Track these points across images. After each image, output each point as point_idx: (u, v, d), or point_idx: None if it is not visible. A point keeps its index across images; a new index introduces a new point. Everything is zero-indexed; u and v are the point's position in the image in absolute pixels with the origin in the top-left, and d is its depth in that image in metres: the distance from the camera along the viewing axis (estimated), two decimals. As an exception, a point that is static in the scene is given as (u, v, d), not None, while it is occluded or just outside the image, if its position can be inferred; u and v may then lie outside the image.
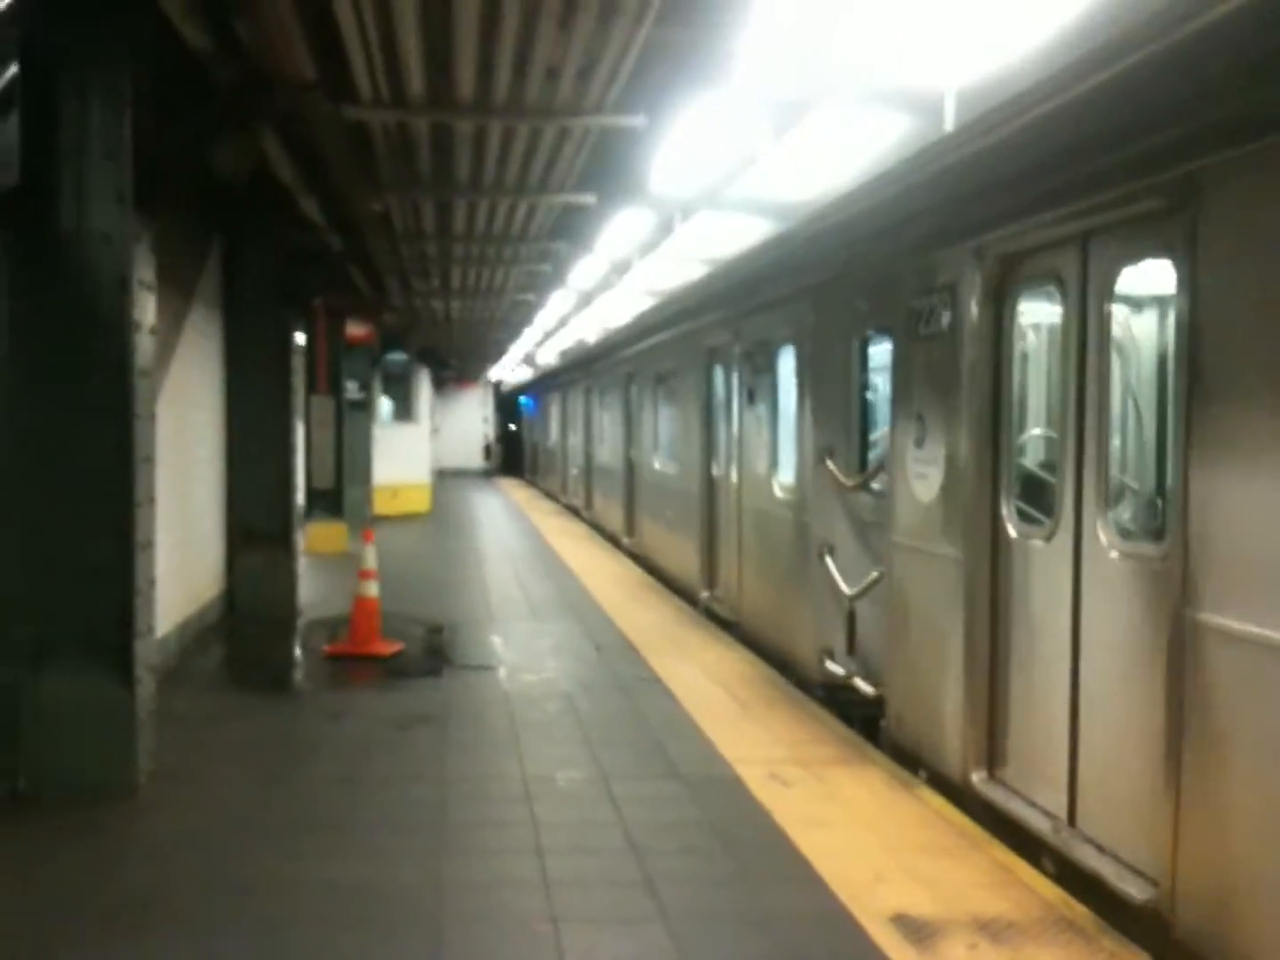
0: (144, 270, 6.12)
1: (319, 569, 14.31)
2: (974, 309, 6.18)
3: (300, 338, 13.38)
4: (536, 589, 13.78)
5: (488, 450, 46.97)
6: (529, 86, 6.79)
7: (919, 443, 6.88)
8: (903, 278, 7.09)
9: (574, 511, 26.03)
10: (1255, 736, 4.17)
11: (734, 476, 11.39)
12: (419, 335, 25.07)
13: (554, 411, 31.87)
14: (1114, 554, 5.16)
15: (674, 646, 10.16)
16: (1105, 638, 5.21)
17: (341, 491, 18.34)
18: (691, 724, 7.58)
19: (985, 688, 6.19)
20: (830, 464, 8.51)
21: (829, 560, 8.52)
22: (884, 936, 4.51)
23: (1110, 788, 5.16)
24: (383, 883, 4.98)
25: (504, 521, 24.10)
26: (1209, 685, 4.36)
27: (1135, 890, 4.74)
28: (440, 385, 38.90)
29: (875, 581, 7.74)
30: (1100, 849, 5.13)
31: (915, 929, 4.58)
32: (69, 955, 4.36)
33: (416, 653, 9.99)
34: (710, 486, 12.51)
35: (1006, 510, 6.12)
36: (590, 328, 20.10)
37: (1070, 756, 5.43)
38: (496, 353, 34.82)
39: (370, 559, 9.99)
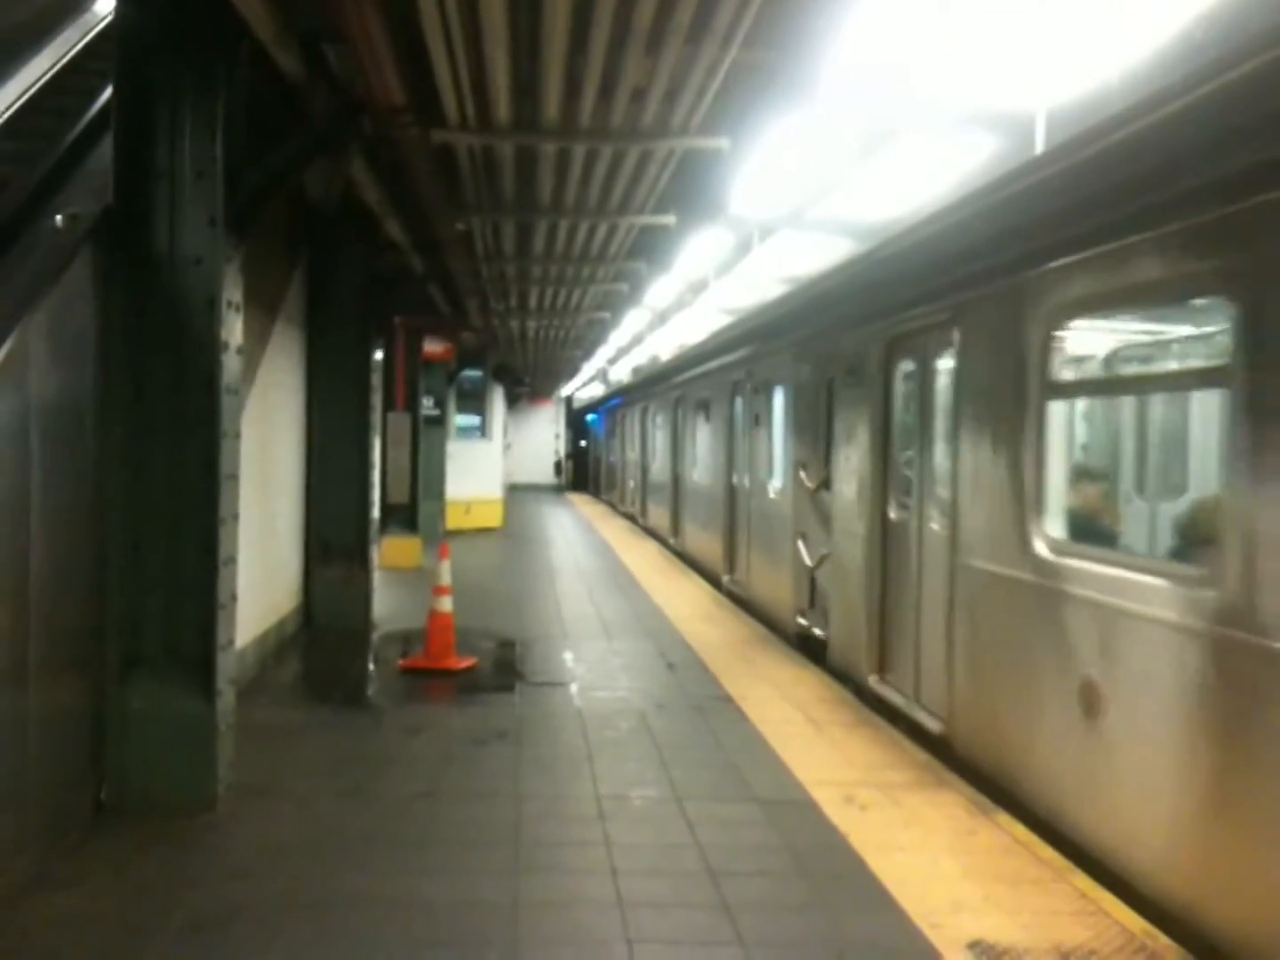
0: (233, 291, 6.23)
1: (393, 583, 14.43)
2: (874, 369, 9.16)
3: (378, 355, 13.54)
4: (607, 605, 13.81)
5: (558, 466, 47.21)
6: (614, 109, 6.83)
7: (847, 458, 9.89)
8: (841, 345, 10.10)
9: (631, 519, 28.98)
10: (978, 627, 7.12)
11: (746, 483, 14.69)
12: (495, 353, 25.28)
13: (617, 430, 35.44)
14: (934, 526, 8.05)
15: (746, 665, 10.13)
16: (930, 580, 8.03)
17: (416, 506, 18.51)
18: (765, 745, 7.55)
19: (878, 622, 9.16)
20: (802, 473, 11.38)
21: (800, 543, 11.29)
22: (963, 967, 4.46)
23: (930, 671, 7.96)
24: (460, 900, 5.02)
25: (574, 536, 24.18)
26: (962, 599, 7.33)
27: (934, 725, 7.75)
28: (514, 402, 39.19)
29: (825, 557, 10.63)
30: (929, 711, 7.95)
31: (994, 957, 4.53)
32: (151, 966, 4.41)
33: (490, 668, 10.06)
34: (731, 492, 15.70)
35: (890, 502, 9.05)
36: (663, 345, 20.19)
37: (915, 656, 8.30)
38: (570, 370, 35.00)
39: (445, 575, 10.08)
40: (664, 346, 20.48)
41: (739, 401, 15.17)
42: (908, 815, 6.21)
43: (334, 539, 11.75)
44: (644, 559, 19.41)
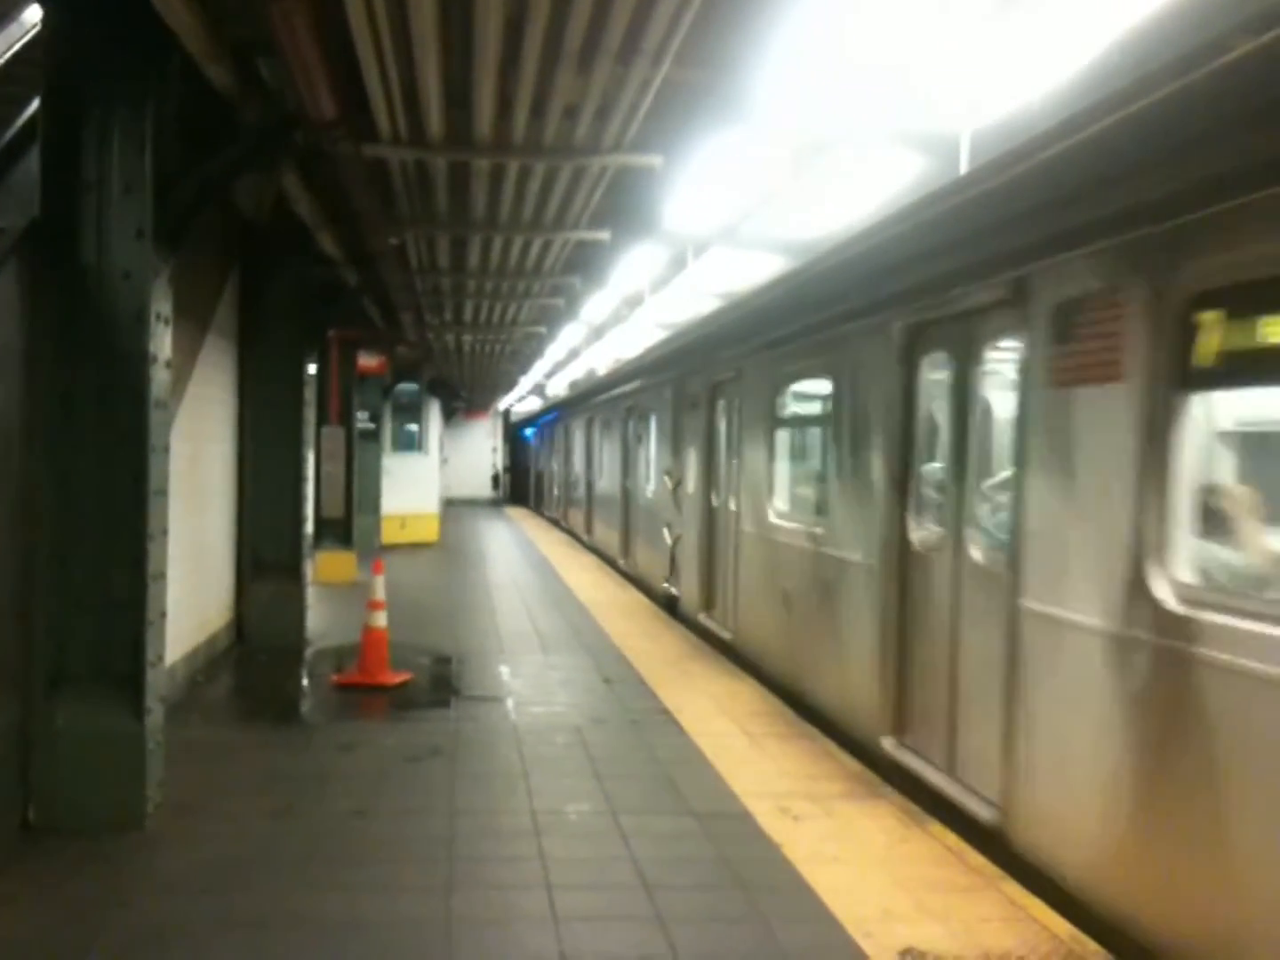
0: (162, 304, 6.18)
1: (328, 598, 14.32)
2: (704, 403, 13.64)
3: (312, 368, 13.44)
4: (543, 619, 13.79)
5: (496, 479, 47.09)
6: (547, 126, 6.86)
7: (690, 466, 14.04)
8: (688, 385, 14.32)
9: (555, 523, 32.54)
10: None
11: (633, 487, 19.11)
12: (431, 366, 25.18)
13: (549, 444, 37.33)
14: (731, 506, 11.27)
15: (683, 678, 10.17)
16: (730, 543, 12.00)
17: (351, 521, 18.38)
18: (701, 757, 7.58)
19: (707, 569, 12.96)
20: (666, 477, 15.44)
21: (665, 529, 15.26)
22: (895, 975, 4.52)
23: (730, 602, 12.14)
24: (394, 918, 4.99)
25: (512, 550, 24.12)
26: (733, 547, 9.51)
27: (726, 635, 11.99)
28: (450, 415, 39.04)
29: (679, 538, 14.56)
30: (726, 628, 11.81)
31: (926, 968, 4.58)
32: (81, 987, 4.35)
33: (425, 684, 10.01)
34: (625, 494, 19.83)
35: (711, 493, 12.88)
36: (598, 360, 20.27)
37: (731, 597, 11.84)
38: (507, 384, 34.95)
39: (379, 590, 10.02)
40: (599, 361, 20.59)
41: (630, 423, 19.43)
42: (841, 825, 6.27)
43: (267, 554, 11.64)
44: (580, 571, 19.41)
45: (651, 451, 17.25)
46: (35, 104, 6.27)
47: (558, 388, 31.07)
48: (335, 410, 17.80)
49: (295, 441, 11.79)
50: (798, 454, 11.12)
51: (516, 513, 39.44)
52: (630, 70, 5.83)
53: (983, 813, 6.10)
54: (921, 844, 6.00)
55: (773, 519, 10.51)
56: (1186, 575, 4.70)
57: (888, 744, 7.43)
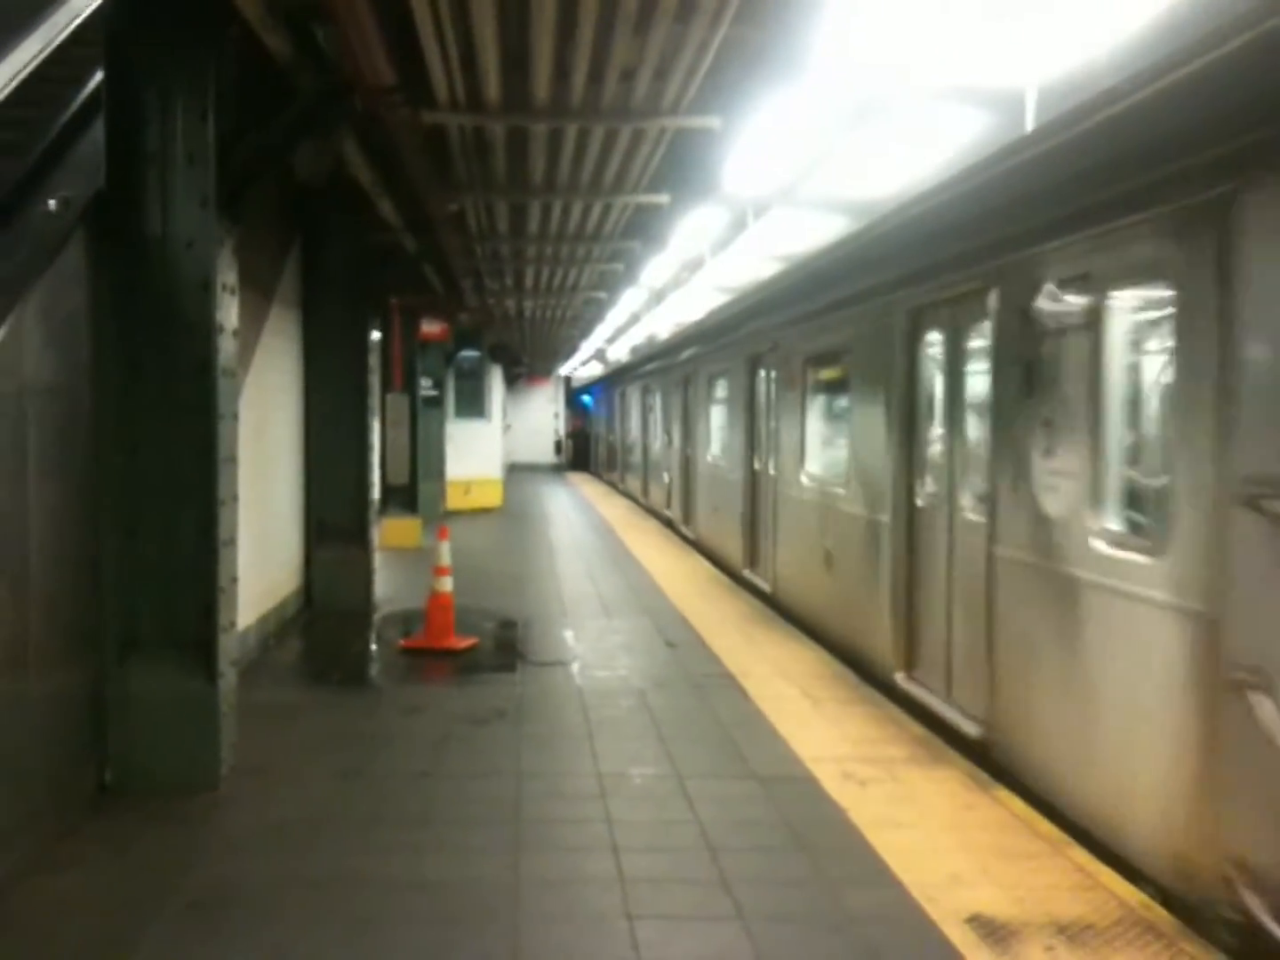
0: (227, 273, 6.24)
1: (394, 564, 14.46)
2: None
3: (375, 335, 13.52)
4: (606, 583, 13.84)
5: (559, 445, 47.23)
6: (605, 89, 6.82)
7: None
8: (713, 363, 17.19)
9: (615, 488, 33.38)
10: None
11: (696, 452, 19.06)
12: (492, 333, 25.25)
13: (611, 409, 37.92)
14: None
15: (745, 643, 10.16)
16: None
17: (416, 487, 18.52)
18: (764, 721, 7.59)
19: (750, 527, 14.13)
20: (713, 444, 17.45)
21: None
22: (960, 937, 4.50)
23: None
24: (461, 878, 5.05)
25: (574, 515, 24.20)
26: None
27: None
28: (512, 381, 39.16)
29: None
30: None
31: (992, 930, 4.56)
32: (151, 948, 4.43)
33: (490, 648, 10.09)
34: (686, 459, 20.11)
35: (755, 460, 14.22)
36: (658, 325, 20.21)
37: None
38: (568, 349, 34.98)
39: (445, 555, 10.10)
40: (658, 326, 20.55)
41: (685, 390, 19.85)
42: (906, 791, 6.24)
43: (333, 520, 11.77)
44: (640, 535, 19.45)
45: (706, 418, 17.96)
46: (99, 77, 6.32)
47: (618, 353, 31.04)
48: (399, 377, 17.93)
49: (360, 408, 11.88)
50: (830, 421, 11.54)
51: (578, 478, 39.55)
52: (688, 30, 5.78)
53: (972, 730, 7.10)
54: (988, 810, 5.96)
55: (805, 481, 11.52)
56: (1117, 524, 5.62)
57: (900, 678, 8.45)
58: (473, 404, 25.81)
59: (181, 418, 6.05)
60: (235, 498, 6.42)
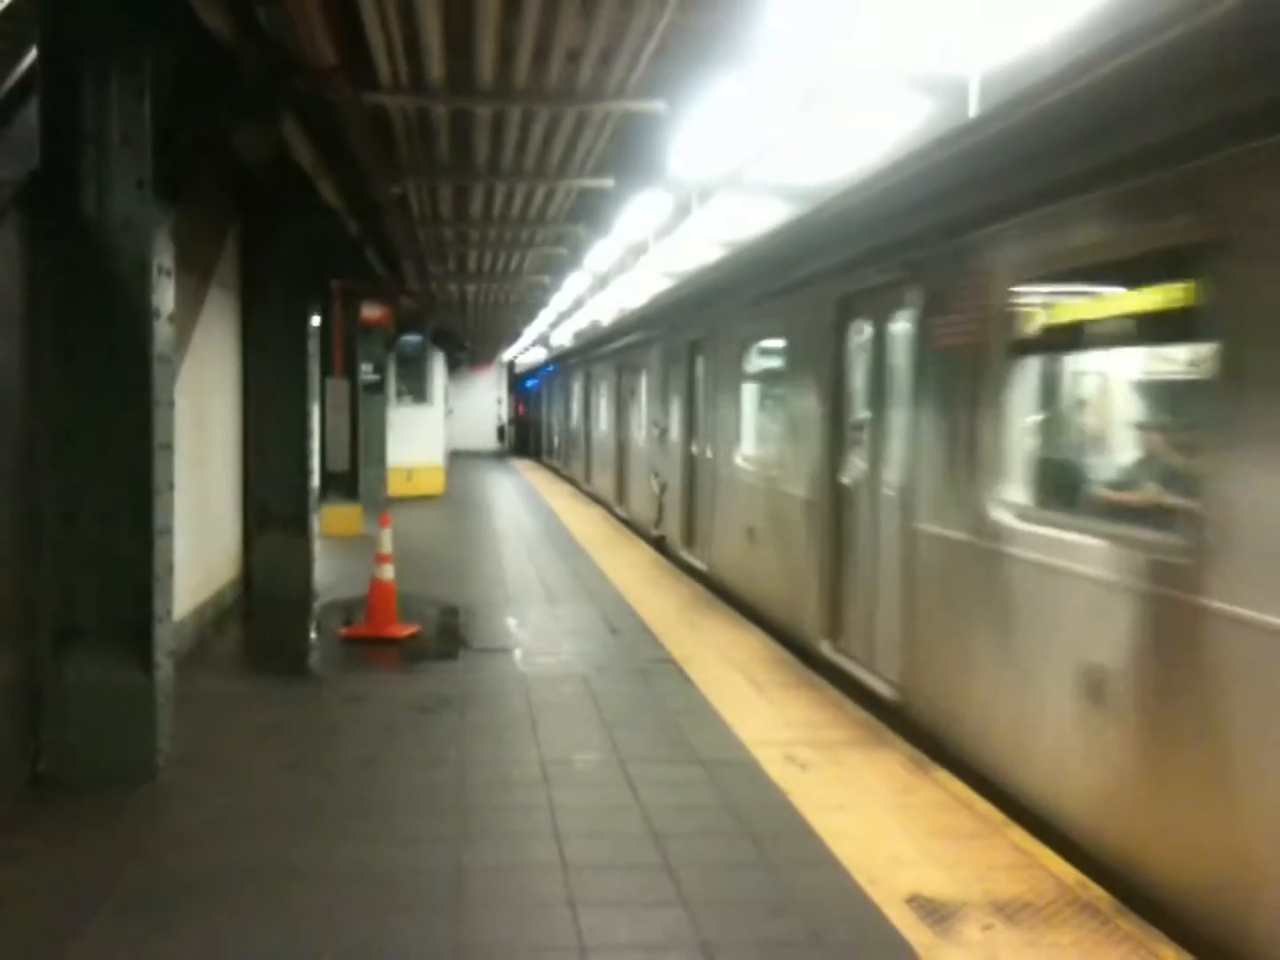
0: (164, 256, 6.13)
1: (335, 551, 14.35)
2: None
3: (315, 320, 13.39)
4: (549, 569, 13.82)
5: (501, 431, 47.06)
6: (550, 71, 6.79)
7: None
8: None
9: (558, 473, 33.40)
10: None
11: (629, 437, 20.05)
12: (434, 317, 25.07)
13: (546, 395, 39.50)
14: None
15: (689, 629, 10.19)
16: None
17: (357, 474, 18.36)
18: (708, 706, 7.61)
19: (688, 509, 14.41)
20: (653, 428, 17.11)
21: (652, 477, 16.92)
22: (901, 918, 4.55)
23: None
24: (404, 867, 5.02)
25: (515, 500, 24.14)
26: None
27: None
28: (455, 367, 38.93)
29: (664, 485, 16.00)
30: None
31: (932, 910, 4.62)
32: (92, 942, 4.37)
33: (433, 635, 10.04)
34: (620, 444, 21.16)
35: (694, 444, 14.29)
36: (601, 311, 20.18)
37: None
38: (511, 335, 34.84)
39: (386, 542, 10.02)
40: (600, 312, 20.52)
41: (623, 376, 20.68)
42: (847, 773, 6.29)
43: (273, 507, 11.64)
44: (582, 522, 19.43)
45: (642, 403, 18.57)
46: (33, 55, 6.20)
47: (561, 339, 30.97)
48: (339, 362, 17.71)
49: (300, 394, 11.74)
50: (764, 405, 12.17)
51: (521, 464, 39.44)
52: (634, 13, 5.76)
53: (889, 693, 7.62)
54: (928, 791, 6.02)
55: (740, 462, 12.02)
56: (1019, 497, 6.17)
57: (825, 647, 8.99)
58: (415, 389, 25.61)
59: (117, 403, 5.94)
60: (172, 485, 6.32)
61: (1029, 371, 6.33)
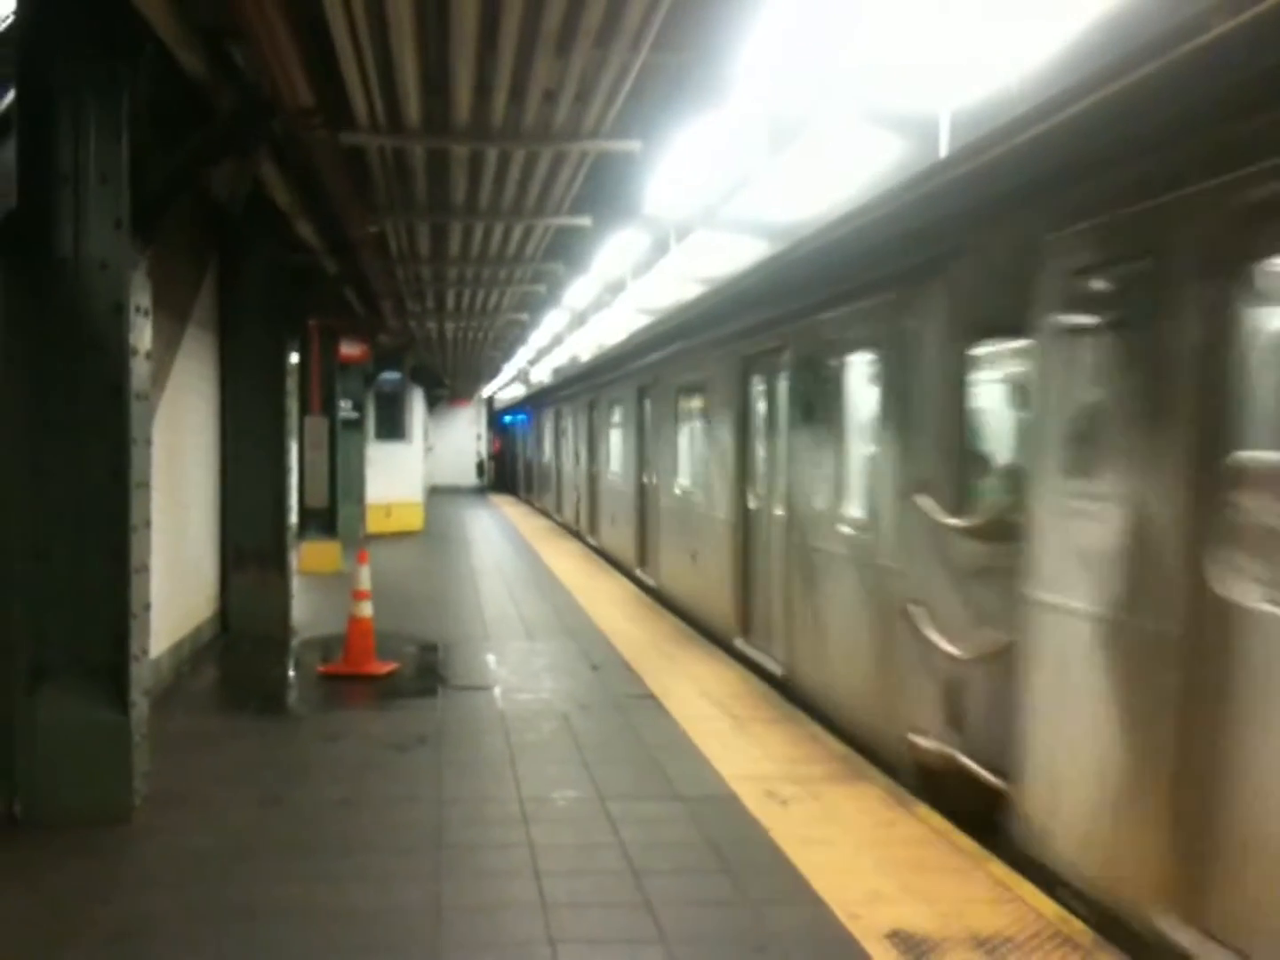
0: (140, 295, 6.13)
1: (313, 588, 14.29)
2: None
3: (294, 358, 13.39)
4: (528, 605, 13.79)
5: (480, 467, 47.03)
6: (526, 111, 6.83)
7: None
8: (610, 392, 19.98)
9: (532, 506, 35.02)
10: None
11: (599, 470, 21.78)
12: (413, 354, 25.10)
13: (523, 431, 40.91)
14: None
15: (669, 663, 10.18)
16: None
17: (335, 510, 18.32)
18: (687, 742, 7.60)
19: (640, 532, 16.54)
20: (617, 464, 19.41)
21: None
22: (881, 953, 4.53)
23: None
24: (382, 906, 4.99)
25: (496, 537, 24.11)
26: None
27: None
28: (434, 403, 38.94)
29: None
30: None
31: (912, 946, 4.60)
32: (67, 981, 4.33)
33: (411, 673, 10.00)
34: (591, 477, 22.69)
35: (644, 476, 16.38)
36: (579, 347, 20.28)
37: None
38: (490, 371, 34.88)
39: (364, 579, 10.00)
40: (578, 348, 20.61)
41: (590, 414, 22.34)
42: (827, 808, 6.28)
43: (250, 544, 11.59)
44: (564, 556, 19.42)
45: (608, 439, 20.72)
46: (10, 95, 6.22)
47: (539, 375, 31.06)
48: (317, 399, 17.71)
49: (278, 431, 11.73)
50: (694, 442, 13.90)
51: (500, 500, 39.40)
52: (609, 54, 5.81)
53: (780, 671, 9.50)
54: (908, 826, 6.02)
55: (677, 491, 14.15)
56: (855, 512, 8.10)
57: (739, 642, 10.91)
58: (393, 426, 25.62)
59: (93, 442, 5.93)
60: (148, 523, 6.30)
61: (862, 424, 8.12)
